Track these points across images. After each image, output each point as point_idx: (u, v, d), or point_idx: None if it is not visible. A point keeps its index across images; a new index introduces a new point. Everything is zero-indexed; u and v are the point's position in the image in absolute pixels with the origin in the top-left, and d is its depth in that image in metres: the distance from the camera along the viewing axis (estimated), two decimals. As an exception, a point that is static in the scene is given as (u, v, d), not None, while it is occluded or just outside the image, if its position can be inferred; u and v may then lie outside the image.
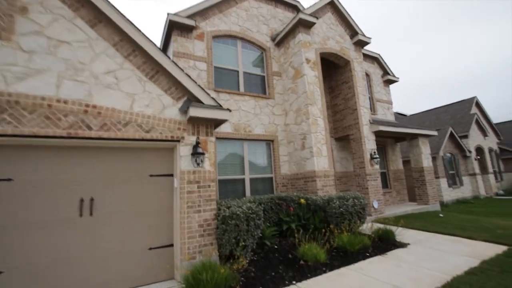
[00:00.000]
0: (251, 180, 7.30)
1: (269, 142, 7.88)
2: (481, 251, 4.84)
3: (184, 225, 4.07)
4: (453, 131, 14.39)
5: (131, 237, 3.92)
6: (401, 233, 5.61)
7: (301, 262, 4.36)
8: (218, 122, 4.76)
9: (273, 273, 4.01)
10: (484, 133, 17.22)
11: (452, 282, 3.52)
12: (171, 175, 4.43)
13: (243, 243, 4.16)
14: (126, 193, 4.02)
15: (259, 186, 7.45)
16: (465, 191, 14.62)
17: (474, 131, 16.24)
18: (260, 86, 8.17)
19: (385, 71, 11.94)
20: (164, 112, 4.29)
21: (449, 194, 13.27)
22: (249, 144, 7.48)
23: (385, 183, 10.67)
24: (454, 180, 14.18)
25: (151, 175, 4.25)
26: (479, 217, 8.57)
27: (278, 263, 4.42)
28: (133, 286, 3.77)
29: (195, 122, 4.52)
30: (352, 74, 8.68)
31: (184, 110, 4.39)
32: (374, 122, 8.77)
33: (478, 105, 17.96)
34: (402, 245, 5.28)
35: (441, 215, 8.58)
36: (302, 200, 6.03)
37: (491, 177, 16.55)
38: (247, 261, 4.27)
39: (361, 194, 6.28)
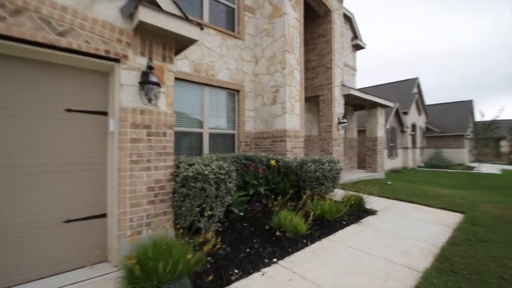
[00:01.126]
0: (211, 135, 6.08)
1: (234, 93, 6.63)
2: (445, 218, 4.89)
3: (125, 187, 2.76)
4: (399, 107, 15.32)
5: (32, 204, 2.45)
6: (365, 200, 5.35)
7: (278, 233, 3.61)
8: (180, 43, 3.29)
9: (247, 249, 3.15)
10: (419, 112, 19.08)
11: (443, 253, 3.23)
12: (105, 113, 2.93)
13: (210, 212, 3.12)
14: (23, 135, 2.43)
15: (219, 143, 6.32)
16: (398, 162, 16.24)
17: (412, 109, 17.75)
18: (228, 21, 6.58)
19: (355, 35, 11.41)
20: (94, 8, 2.62)
21: (387, 164, 14.46)
22: (211, 92, 6.09)
23: (340, 150, 10.71)
24: (391, 152, 15.49)
25: (68, 110, 2.68)
26: (419, 186, 9.33)
27: (250, 235, 3.57)
28: (38, 277, 2.43)
29: (147, 36, 2.97)
30: (332, 27, 7.74)
31: (129, 12, 2.79)
32: (344, 85, 8.23)
33: (418, 86, 19.56)
34: (372, 212, 5.03)
35: (389, 182, 9.02)
36: (273, 162, 5.20)
37: (418, 151, 18.81)
38: (212, 233, 3.29)
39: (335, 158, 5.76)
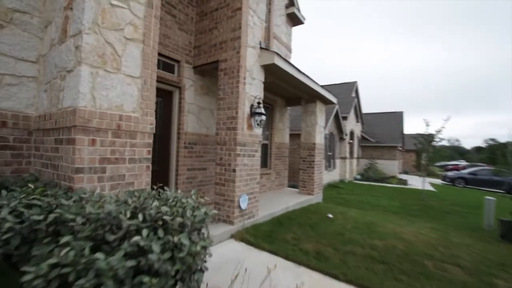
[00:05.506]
0: None
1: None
2: None
3: None
4: (338, 110, 12.99)
5: None
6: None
7: None
8: None
9: None
10: (357, 118, 17.49)
11: None
12: None
13: None
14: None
15: None
16: (335, 174, 13.91)
17: (351, 114, 15.89)
18: None
19: (292, 1, 8.23)
20: None
21: (324, 178, 11.81)
22: None
23: (264, 161, 7.27)
24: (329, 163, 13.01)
25: None
26: (368, 215, 6.47)
27: None
28: None
29: None
30: None
31: None
32: (264, 48, 4.72)
33: (357, 90, 18.06)
34: None
35: (329, 215, 5.85)
36: None
37: (355, 162, 17.09)
38: None
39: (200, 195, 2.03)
